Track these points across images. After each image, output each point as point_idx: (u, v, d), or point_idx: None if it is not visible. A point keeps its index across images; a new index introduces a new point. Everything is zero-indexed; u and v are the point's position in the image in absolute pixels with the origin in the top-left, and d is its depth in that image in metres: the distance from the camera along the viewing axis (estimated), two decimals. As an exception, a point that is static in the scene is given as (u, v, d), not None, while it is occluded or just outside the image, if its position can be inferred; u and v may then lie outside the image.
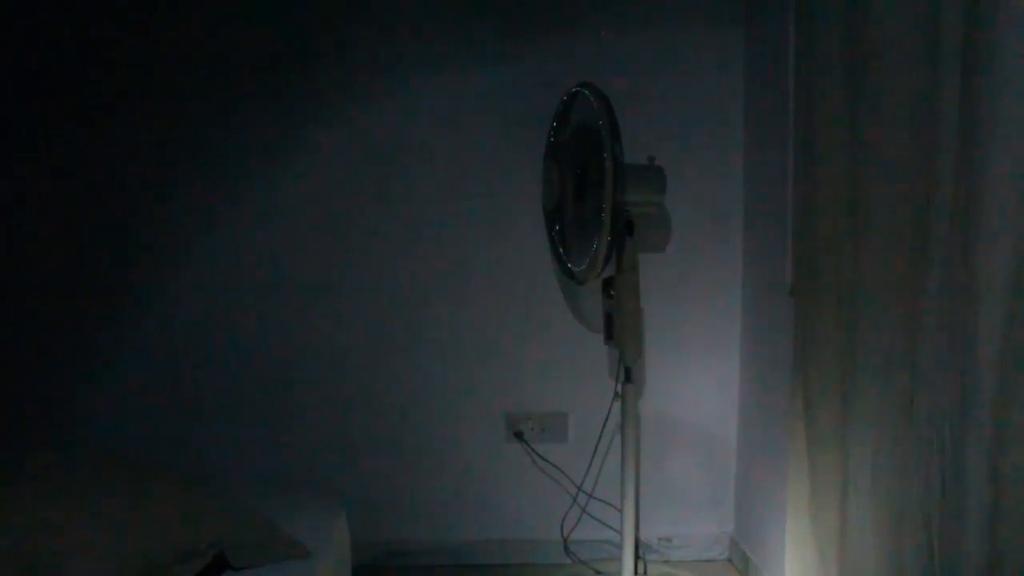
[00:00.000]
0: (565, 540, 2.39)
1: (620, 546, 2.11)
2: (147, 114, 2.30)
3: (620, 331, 2.03)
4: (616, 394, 2.14)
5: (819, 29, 1.63)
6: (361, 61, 2.31)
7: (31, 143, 2.31)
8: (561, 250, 2.14)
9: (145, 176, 2.32)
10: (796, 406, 1.74)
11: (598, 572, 2.33)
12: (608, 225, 1.86)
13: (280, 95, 2.30)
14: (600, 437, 2.29)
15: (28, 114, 2.29)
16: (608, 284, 2.04)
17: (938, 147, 1.23)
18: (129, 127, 2.30)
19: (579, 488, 2.36)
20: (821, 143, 1.62)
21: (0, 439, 2.14)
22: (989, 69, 1.09)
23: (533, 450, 2.39)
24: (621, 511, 2.11)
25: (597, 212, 1.90)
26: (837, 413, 1.57)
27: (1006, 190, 1.07)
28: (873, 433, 1.44)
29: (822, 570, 1.64)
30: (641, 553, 2.34)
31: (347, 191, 2.34)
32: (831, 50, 1.57)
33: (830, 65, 1.58)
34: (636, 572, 2.15)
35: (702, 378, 2.40)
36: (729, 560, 2.44)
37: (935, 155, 1.24)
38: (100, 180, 2.31)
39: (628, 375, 2.07)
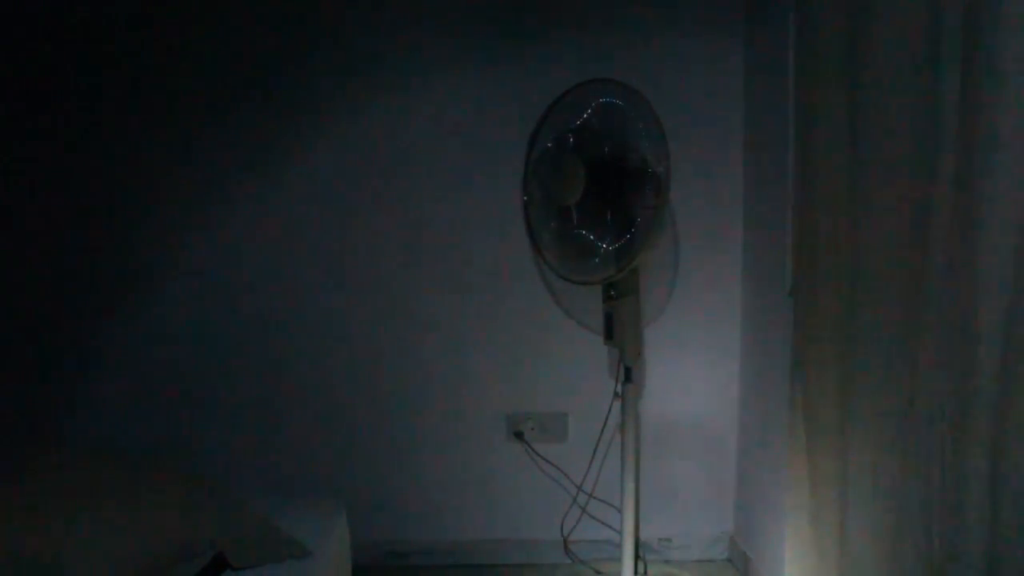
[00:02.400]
0: (565, 540, 2.39)
1: (620, 546, 2.11)
2: (145, 112, 2.30)
3: (620, 331, 2.03)
4: (616, 394, 2.14)
5: (819, 30, 1.63)
6: (360, 60, 2.30)
7: (26, 141, 2.31)
8: (592, 238, 2.03)
9: (143, 175, 2.32)
10: (795, 406, 1.74)
11: (598, 572, 2.33)
12: (660, 222, 1.84)
13: (279, 94, 2.30)
14: (600, 437, 2.29)
15: (24, 112, 2.30)
16: (608, 284, 2.03)
17: (938, 147, 1.23)
18: (126, 126, 2.30)
19: (579, 488, 2.37)
20: (821, 143, 1.62)
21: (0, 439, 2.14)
22: (989, 70, 1.09)
23: (533, 450, 2.39)
24: (621, 511, 2.11)
25: (612, 210, 1.90)
26: (837, 413, 1.57)
27: (1006, 190, 1.07)
28: (873, 433, 1.44)
29: (822, 570, 1.64)
30: (641, 553, 2.34)
31: (347, 190, 2.34)
32: (831, 50, 1.57)
33: (830, 65, 1.58)
34: (636, 572, 2.15)
35: (702, 378, 2.40)
36: (729, 560, 2.44)
37: (935, 155, 1.24)
38: (97, 179, 2.31)
39: (628, 375, 2.07)
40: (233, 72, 2.30)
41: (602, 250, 1.98)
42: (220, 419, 2.36)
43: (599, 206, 1.98)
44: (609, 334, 2.07)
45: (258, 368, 2.36)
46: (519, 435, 2.39)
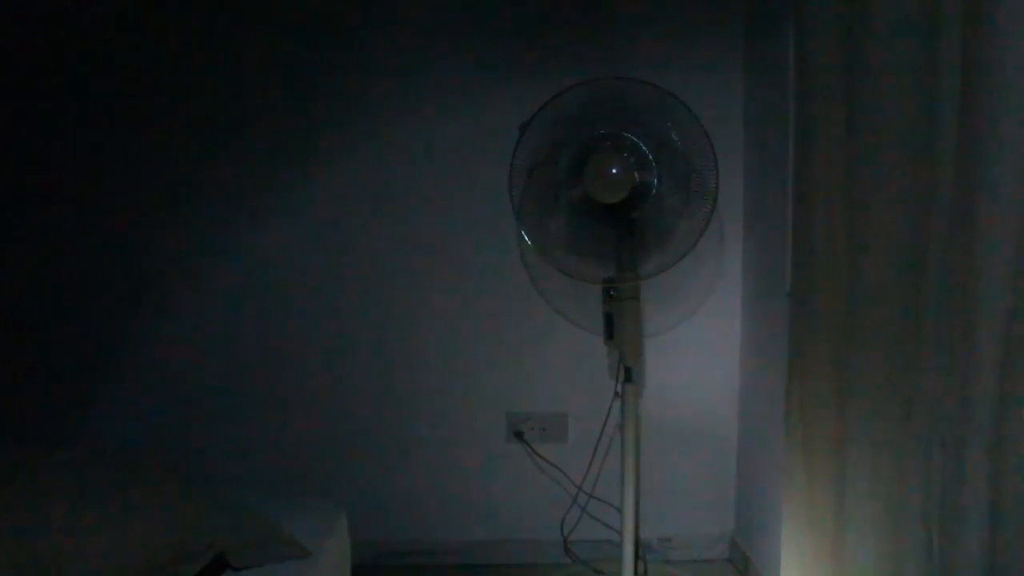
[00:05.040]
0: (565, 540, 2.39)
1: (620, 546, 2.11)
2: (165, 118, 2.32)
3: (620, 331, 2.02)
4: (616, 394, 2.14)
5: (819, 31, 1.63)
6: (367, 69, 2.31)
7: (36, 148, 2.32)
8: (622, 240, 2.00)
9: (156, 181, 2.33)
10: (792, 406, 1.74)
11: (598, 572, 2.33)
12: (699, 235, 1.87)
13: (290, 103, 2.32)
14: (600, 437, 2.29)
15: (36, 120, 2.31)
16: (610, 285, 2.03)
17: (937, 147, 1.23)
18: (145, 131, 2.32)
19: (579, 488, 2.37)
20: (821, 144, 1.62)
21: (0, 438, 2.14)
22: (988, 70, 1.09)
23: (533, 450, 2.39)
24: (621, 511, 2.11)
25: (645, 215, 1.94)
26: (835, 413, 1.57)
27: (1006, 190, 1.07)
28: (872, 433, 1.44)
29: (820, 571, 1.64)
30: (641, 553, 2.34)
31: (348, 193, 2.34)
32: (830, 51, 1.57)
33: (829, 65, 1.57)
34: (636, 572, 2.15)
35: (702, 378, 2.40)
36: (729, 560, 2.44)
37: (935, 155, 1.24)
38: (111, 183, 2.32)
39: (628, 375, 2.07)
40: (247, 82, 2.31)
41: (622, 251, 1.98)
42: (220, 419, 2.36)
43: (634, 208, 1.93)
44: (609, 334, 2.07)
45: (258, 369, 2.36)
46: (519, 435, 2.38)
